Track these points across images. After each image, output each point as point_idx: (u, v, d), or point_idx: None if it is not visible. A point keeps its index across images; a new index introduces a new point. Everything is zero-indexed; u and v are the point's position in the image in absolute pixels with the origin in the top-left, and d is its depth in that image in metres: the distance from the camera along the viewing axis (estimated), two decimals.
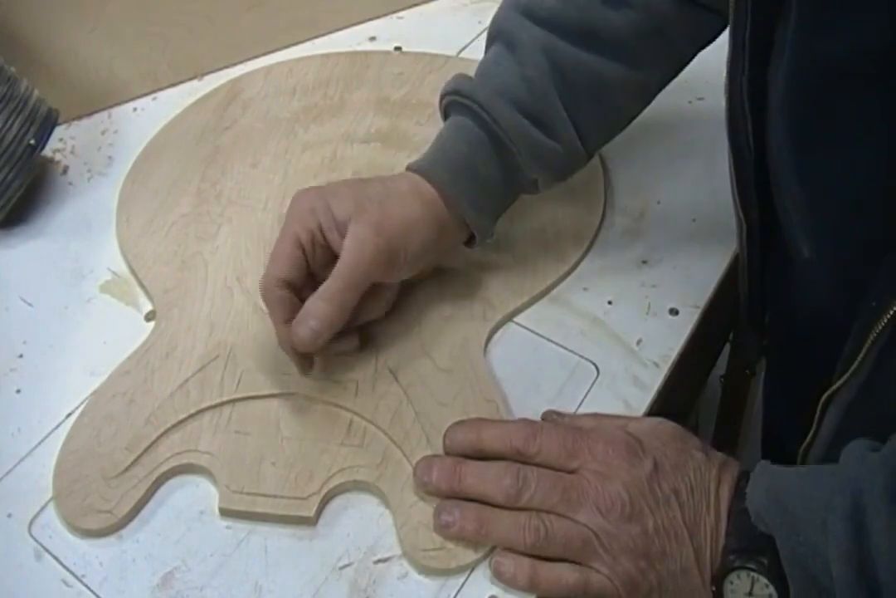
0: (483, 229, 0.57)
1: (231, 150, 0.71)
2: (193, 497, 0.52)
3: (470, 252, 0.60)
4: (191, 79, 0.79)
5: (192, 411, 0.54)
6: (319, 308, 0.52)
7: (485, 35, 0.60)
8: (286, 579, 0.49)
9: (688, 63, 0.60)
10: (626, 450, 0.48)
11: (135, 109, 0.77)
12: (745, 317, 0.63)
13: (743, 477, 0.47)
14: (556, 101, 0.56)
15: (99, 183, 0.71)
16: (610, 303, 0.61)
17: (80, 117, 0.76)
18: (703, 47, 0.59)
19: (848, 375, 0.45)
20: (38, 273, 0.64)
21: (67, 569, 0.49)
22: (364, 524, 0.51)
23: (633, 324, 0.60)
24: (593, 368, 0.58)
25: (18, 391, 0.58)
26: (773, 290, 0.60)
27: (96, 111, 0.77)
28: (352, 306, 0.53)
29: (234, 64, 0.80)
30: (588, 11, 0.55)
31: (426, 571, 0.49)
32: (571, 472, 0.48)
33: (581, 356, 0.58)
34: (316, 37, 0.83)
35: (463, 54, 0.80)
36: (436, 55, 0.78)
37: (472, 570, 0.49)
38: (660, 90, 0.60)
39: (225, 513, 0.51)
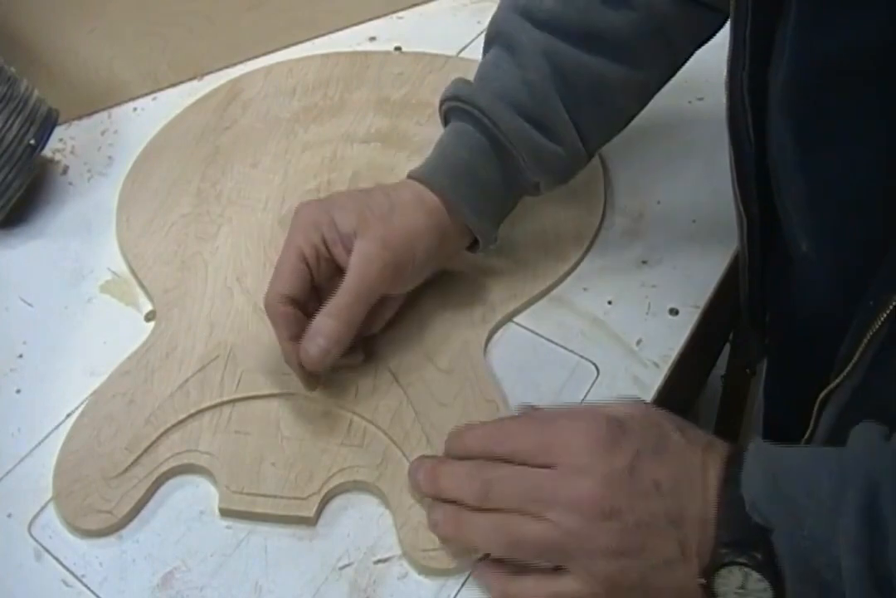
0: (486, 235, 0.57)
1: (231, 150, 0.71)
2: (193, 497, 0.52)
3: (470, 254, 0.60)
4: (191, 79, 0.79)
5: (192, 411, 0.54)
6: (328, 326, 0.51)
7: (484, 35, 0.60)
8: (286, 579, 0.49)
9: (686, 61, 0.60)
10: (602, 441, 0.45)
11: (135, 109, 0.77)
12: (746, 316, 0.63)
13: (733, 460, 0.44)
14: (557, 104, 0.56)
15: (99, 183, 0.71)
16: (610, 303, 0.61)
17: (80, 117, 0.76)
18: (701, 45, 0.59)
19: (844, 374, 0.45)
20: (38, 273, 0.64)
21: (67, 569, 0.49)
22: (364, 524, 0.51)
23: (633, 324, 0.60)
24: (593, 368, 0.58)
25: (18, 391, 0.58)
26: (774, 289, 0.60)
27: (96, 111, 0.77)
28: (360, 322, 0.53)
29: (234, 64, 0.80)
30: (588, 13, 0.55)
31: (426, 571, 0.49)
32: (548, 467, 0.45)
33: (581, 356, 0.58)
34: (316, 37, 0.83)
35: (463, 54, 0.80)
36: (436, 55, 0.78)
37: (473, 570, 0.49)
38: (659, 89, 0.60)
39: (225, 513, 0.51)
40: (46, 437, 0.55)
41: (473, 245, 0.59)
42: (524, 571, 0.46)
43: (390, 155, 0.70)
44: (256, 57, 0.81)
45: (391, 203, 0.55)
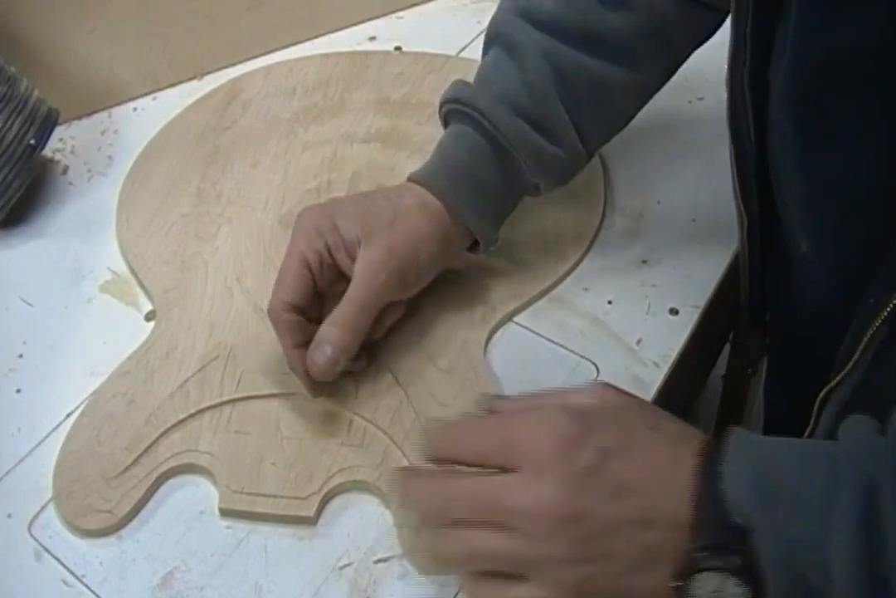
0: (487, 236, 0.57)
1: (231, 150, 0.71)
2: (193, 497, 0.52)
3: (471, 254, 0.60)
4: (191, 79, 0.79)
5: (192, 411, 0.54)
6: (334, 335, 0.51)
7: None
8: (286, 579, 0.49)
9: (685, 60, 0.60)
10: (564, 439, 0.41)
11: (135, 109, 0.77)
12: (746, 316, 0.63)
13: (712, 455, 0.40)
14: (557, 105, 0.56)
15: (99, 183, 0.71)
16: (610, 303, 0.61)
17: (80, 117, 0.76)
18: (701, 45, 0.59)
19: (845, 372, 0.45)
20: (38, 273, 0.64)
21: (67, 569, 0.49)
22: (364, 524, 0.51)
23: (633, 324, 0.60)
24: (593, 368, 0.58)
25: (18, 391, 0.58)
26: (774, 289, 0.60)
27: (96, 111, 0.77)
28: (366, 329, 0.53)
29: (234, 64, 0.80)
30: (588, 14, 0.55)
31: (426, 571, 0.49)
32: (509, 469, 0.42)
33: (581, 356, 0.58)
34: (316, 37, 0.83)
35: (463, 54, 0.80)
36: (436, 55, 0.78)
37: None
38: (658, 89, 0.60)
39: (225, 513, 0.51)
40: (46, 437, 0.55)
41: (474, 246, 0.59)
42: (491, 573, 0.43)
43: (390, 155, 0.70)
44: (256, 57, 0.81)
45: (394, 208, 0.54)
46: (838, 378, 0.46)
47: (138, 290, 0.63)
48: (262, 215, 0.66)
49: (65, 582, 0.49)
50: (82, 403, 0.56)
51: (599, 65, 0.56)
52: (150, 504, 0.52)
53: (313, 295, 0.54)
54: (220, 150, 0.71)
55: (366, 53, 0.79)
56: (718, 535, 0.38)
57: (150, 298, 0.62)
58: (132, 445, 0.53)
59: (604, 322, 0.60)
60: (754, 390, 0.88)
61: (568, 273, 0.63)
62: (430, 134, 0.68)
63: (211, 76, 0.79)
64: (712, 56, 0.57)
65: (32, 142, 0.65)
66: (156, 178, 0.69)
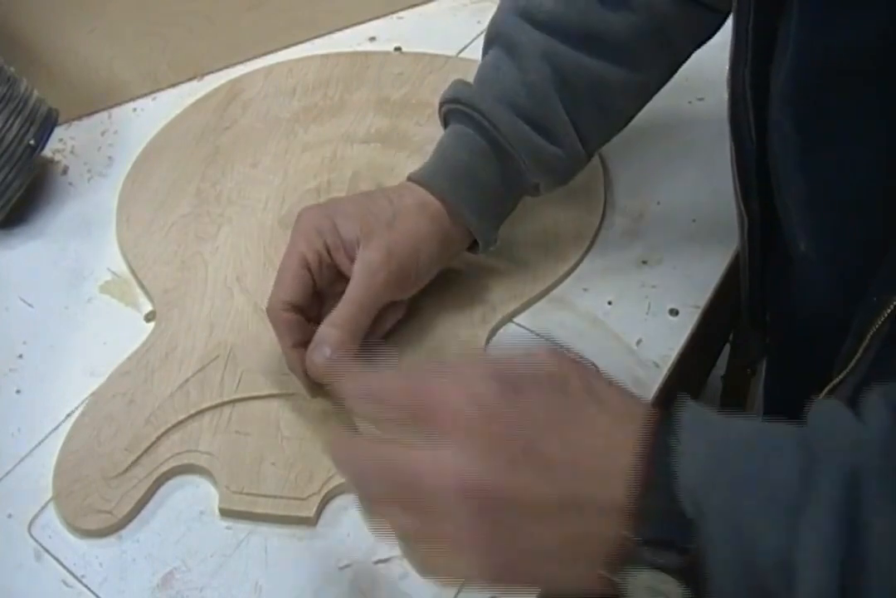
0: (486, 236, 0.57)
1: (231, 150, 0.71)
2: (193, 497, 0.52)
3: (471, 254, 0.60)
4: (191, 79, 0.79)
5: (192, 411, 0.54)
6: (333, 335, 0.51)
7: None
8: (286, 579, 0.49)
9: (685, 61, 0.60)
10: (484, 407, 0.36)
11: (135, 109, 0.77)
12: (746, 316, 0.64)
13: (661, 434, 0.35)
14: (557, 106, 0.56)
15: (99, 183, 0.71)
16: (610, 303, 0.61)
17: (80, 117, 0.76)
18: (701, 45, 0.59)
19: (847, 371, 0.45)
20: (38, 273, 0.64)
21: (67, 569, 0.49)
22: (364, 524, 0.51)
23: (633, 324, 0.60)
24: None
25: (18, 391, 0.58)
26: (774, 289, 0.60)
27: (96, 111, 0.77)
28: (365, 330, 0.53)
29: (234, 64, 0.80)
30: (588, 15, 0.55)
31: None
32: (423, 431, 0.37)
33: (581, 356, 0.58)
34: (316, 37, 0.83)
35: (463, 54, 0.80)
36: (436, 55, 0.78)
37: None
38: (658, 90, 0.60)
39: (225, 513, 0.51)
40: (46, 437, 0.55)
41: (474, 246, 0.59)
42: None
43: (390, 155, 0.70)
44: (256, 57, 0.81)
45: (394, 209, 0.54)
46: (840, 377, 0.46)
47: (138, 290, 0.63)
48: (262, 215, 0.66)
49: (65, 582, 0.49)
50: (82, 403, 0.56)
51: (599, 65, 0.56)
52: (150, 505, 0.52)
53: (313, 295, 0.54)
54: (220, 150, 0.71)
55: (366, 54, 0.79)
56: (662, 527, 0.34)
57: (150, 298, 0.62)
58: (132, 445, 0.53)
59: (604, 323, 0.60)
60: (754, 390, 0.88)
61: (568, 273, 0.63)
62: (430, 134, 0.68)
63: (211, 76, 0.79)
64: (712, 56, 0.57)
65: (32, 142, 0.65)
66: (156, 178, 0.69)
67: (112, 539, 0.50)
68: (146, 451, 0.53)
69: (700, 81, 0.72)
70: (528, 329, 0.60)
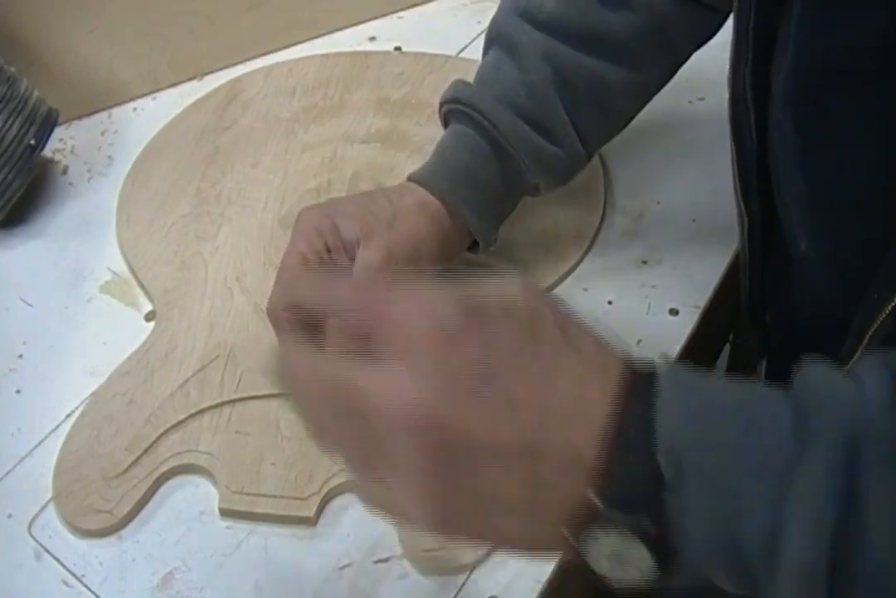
0: (486, 236, 0.57)
1: (231, 150, 0.71)
2: (193, 497, 0.52)
3: (470, 254, 0.60)
4: (191, 79, 0.79)
5: (192, 411, 0.54)
6: None
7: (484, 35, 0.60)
8: (286, 579, 0.49)
9: (685, 61, 0.60)
10: (443, 330, 0.32)
11: (135, 109, 0.77)
12: (746, 316, 0.63)
13: (640, 390, 0.32)
14: (557, 106, 0.56)
15: (99, 183, 0.71)
16: (610, 303, 0.61)
17: (80, 117, 0.76)
18: (701, 45, 0.59)
19: (847, 368, 0.45)
20: (38, 273, 0.64)
21: (67, 569, 0.49)
22: (364, 524, 0.51)
23: (633, 324, 0.60)
24: None
25: (18, 391, 0.58)
26: (774, 289, 0.60)
27: (96, 111, 0.77)
28: None
29: (234, 64, 0.80)
30: (588, 15, 0.55)
31: (426, 571, 0.49)
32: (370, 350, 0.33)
33: None
34: (316, 37, 0.83)
35: (463, 54, 0.80)
36: (436, 55, 0.78)
37: (472, 570, 0.49)
38: (658, 90, 0.60)
39: (225, 513, 0.51)
40: (46, 437, 0.55)
41: (474, 246, 0.59)
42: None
43: (390, 155, 0.70)
44: (256, 57, 0.81)
45: (394, 209, 0.54)
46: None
47: (138, 290, 0.63)
48: (262, 215, 0.66)
49: (65, 582, 0.49)
50: (82, 403, 0.56)
51: (599, 65, 0.56)
52: (150, 504, 0.52)
53: None
54: (220, 150, 0.71)
55: (366, 53, 0.79)
56: (634, 487, 0.31)
57: (150, 298, 0.62)
58: (132, 445, 0.53)
59: (604, 323, 0.60)
60: None
61: (568, 273, 0.63)
62: (430, 134, 0.68)
63: (211, 76, 0.79)
64: (713, 56, 0.57)
65: (32, 142, 0.65)
66: (156, 178, 0.69)
67: (112, 539, 0.50)
68: (146, 451, 0.53)
69: (700, 81, 0.72)
70: None
